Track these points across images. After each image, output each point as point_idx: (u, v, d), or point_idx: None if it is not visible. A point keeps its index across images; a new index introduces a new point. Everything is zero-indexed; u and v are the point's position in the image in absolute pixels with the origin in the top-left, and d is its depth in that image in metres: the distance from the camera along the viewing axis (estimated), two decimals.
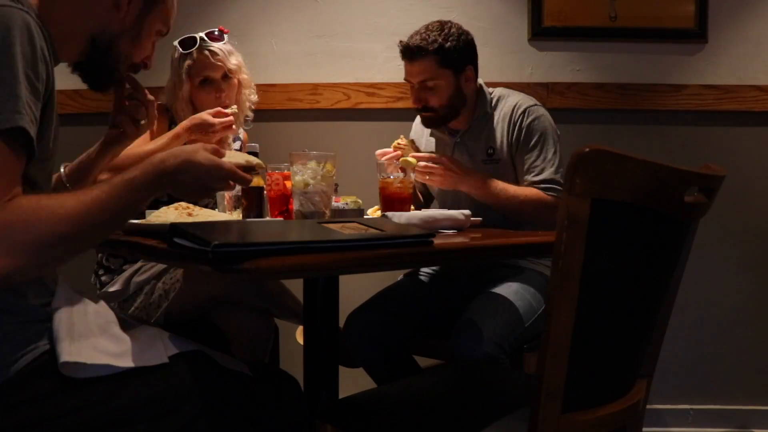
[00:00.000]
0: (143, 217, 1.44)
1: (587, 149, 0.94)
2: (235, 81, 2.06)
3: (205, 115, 1.89)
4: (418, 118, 2.18)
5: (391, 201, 1.65)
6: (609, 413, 1.09)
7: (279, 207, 1.64)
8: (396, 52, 2.65)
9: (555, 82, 2.58)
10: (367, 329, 1.89)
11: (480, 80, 2.05)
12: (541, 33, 2.60)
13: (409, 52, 1.93)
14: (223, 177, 1.11)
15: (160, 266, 1.88)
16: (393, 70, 2.62)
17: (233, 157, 1.25)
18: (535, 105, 1.99)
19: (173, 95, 2.03)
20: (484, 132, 2.02)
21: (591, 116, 2.59)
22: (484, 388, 1.44)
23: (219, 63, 2.00)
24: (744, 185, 2.60)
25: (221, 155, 1.13)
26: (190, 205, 1.43)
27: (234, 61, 2.04)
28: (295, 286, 1.80)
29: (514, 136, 1.96)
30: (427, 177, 1.87)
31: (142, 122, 1.38)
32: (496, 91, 2.07)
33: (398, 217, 1.45)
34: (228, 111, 1.92)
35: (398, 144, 1.90)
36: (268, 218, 1.64)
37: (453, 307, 1.99)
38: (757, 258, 2.64)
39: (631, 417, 1.16)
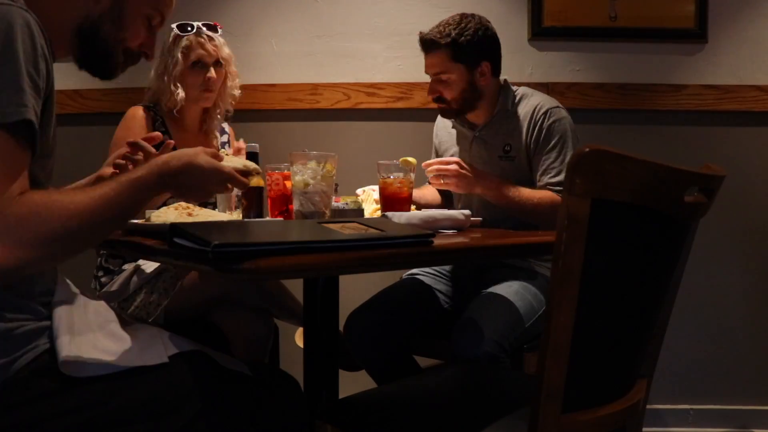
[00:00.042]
0: (143, 217, 1.45)
1: (587, 149, 0.95)
2: (224, 71, 2.10)
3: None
4: (437, 119, 2.25)
5: (391, 201, 1.65)
6: (609, 413, 1.09)
7: (279, 207, 1.64)
8: (396, 52, 2.65)
9: (555, 82, 2.58)
10: (368, 329, 1.89)
11: (505, 77, 2.07)
12: (541, 33, 2.60)
13: (424, 44, 2.00)
14: (223, 180, 1.16)
15: (160, 266, 1.88)
16: (393, 70, 2.62)
17: (232, 161, 1.27)
18: (558, 107, 1.99)
19: (162, 76, 2.04)
20: (504, 128, 2.03)
21: (591, 116, 2.59)
22: (484, 388, 1.44)
23: (215, 47, 2.06)
24: (744, 185, 2.60)
25: (220, 159, 1.17)
26: (190, 205, 1.44)
27: (227, 51, 2.10)
28: (295, 286, 1.80)
29: (534, 137, 1.96)
30: (442, 181, 1.88)
31: None
32: (520, 90, 2.08)
33: (398, 217, 1.45)
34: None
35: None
36: (268, 218, 1.65)
37: (453, 307, 1.99)
38: (757, 258, 2.64)
39: (631, 417, 1.16)
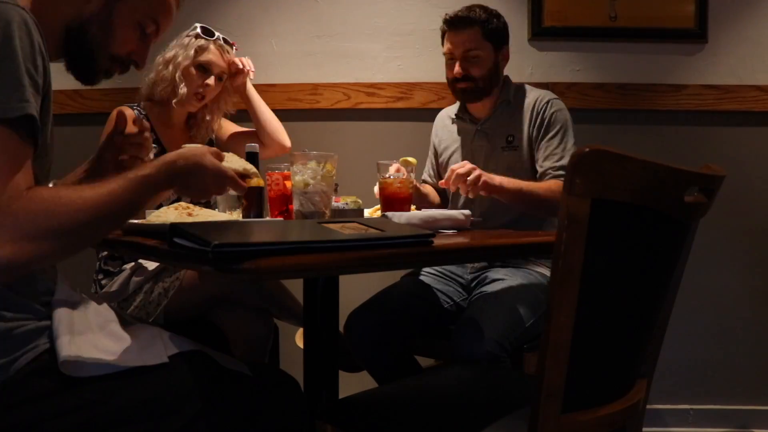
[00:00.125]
0: (143, 217, 1.44)
1: (587, 149, 0.94)
2: (222, 86, 2.13)
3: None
4: (441, 112, 2.31)
5: (391, 201, 1.65)
6: (609, 413, 1.09)
7: (279, 207, 1.64)
8: (396, 52, 2.65)
9: (555, 82, 2.58)
10: (368, 329, 1.89)
11: (504, 72, 2.16)
12: (541, 33, 2.60)
13: (456, 21, 2.05)
14: (224, 183, 1.18)
15: (160, 265, 1.88)
16: (393, 70, 2.62)
17: (232, 161, 1.28)
18: (557, 98, 2.10)
19: (167, 65, 2.05)
20: (505, 120, 2.11)
21: (591, 116, 2.59)
22: (484, 388, 1.44)
23: (224, 61, 2.10)
24: (744, 185, 2.60)
25: (221, 158, 1.19)
26: (190, 205, 1.44)
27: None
28: (295, 286, 1.80)
29: (536, 124, 2.05)
30: (465, 191, 1.87)
31: (148, 156, 1.41)
32: (514, 84, 2.17)
33: (398, 217, 1.45)
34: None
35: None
36: (268, 218, 1.64)
37: (454, 307, 1.99)
38: (757, 258, 2.64)
39: (631, 417, 1.16)
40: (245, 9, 2.62)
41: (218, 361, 1.15)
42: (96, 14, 1.16)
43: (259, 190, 1.62)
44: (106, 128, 1.99)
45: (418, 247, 1.12)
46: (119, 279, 1.91)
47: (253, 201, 1.61)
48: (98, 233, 1.05)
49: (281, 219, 1.61)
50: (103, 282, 1.94)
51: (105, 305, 1.21)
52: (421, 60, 2.62)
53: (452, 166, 1.82)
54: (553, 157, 2.00)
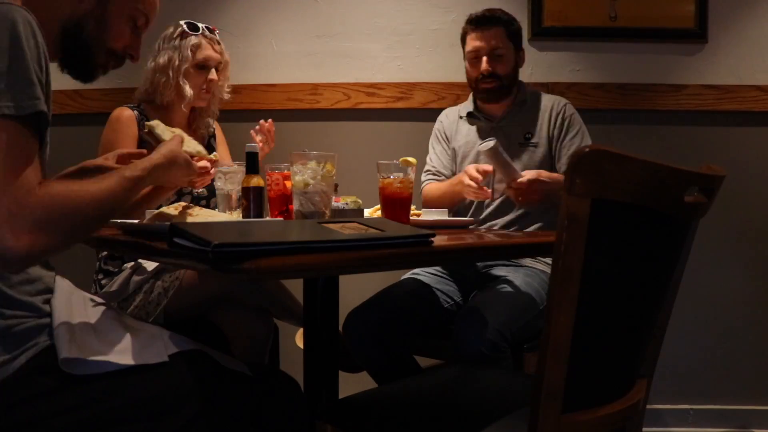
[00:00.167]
0: (143, 217, 1.45)
1: (587, 149, 0.94)
2: (221, 75, 2.14)
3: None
4: (446, 112, 2.33)
5: (391, 201, 1.65)
6: (609, 413, 1.09)
7: (279, 207, 1.64)
8: (396, 52, 2.65)
9: (555, 82, 2.58)
10: (368, 329, 1.89)
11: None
12: (541, 33, 2.61)
13: (484, 19, 2.15)
14: (188, 174, 1.41)
15: (160, 265, 1.88)
16: (393, 70, 2.62)
17: (189, 146, 1.49)
18: (570, 103, 2.22)
19: (165, 70, 2.04)
20: (521, 119, 2.17)
21: (591, 116, 2.58)
22: (484, 388, 1.44)
23: (220, 51, 2.11)
24: (744, 185, 2.60)
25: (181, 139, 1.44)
26: (190, 205, 1.45)
27: (227, 55, 2.15)
28: (295, 286, 1.79)
29: (557, 125, 2.14)
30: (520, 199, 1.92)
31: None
32: (526, 86, 2.26)
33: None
34: (211, 157, 1.93)
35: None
36: (268, 218, 1.64)
37: (454, 307, 1.99)
38: (758, 258, 2.64)
39: (631, 417, 1.16)
40: (245, 9, 2.62)
41: (218, 361, 1.15)
42: (91, 11, 1.18)
43: (259, 190, 1.62)
44: (114, 128, 1.99)
45: (418, 247, 1.12)
46: (119, 279, 1.91)
47: (253, 201, 1.61)
48: (99, 225, 1.10)
49: (281, 219, 1.61)
50: (103, 282, 1.94)
51: (105, 303, 1.21)
52: (421, 60, 2.62)
53: (523, 179, 1.85)
54: None
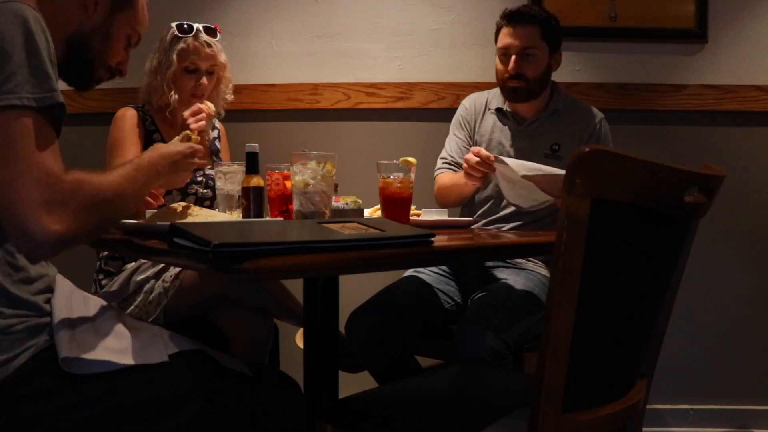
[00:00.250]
0: (143, 217, 1.45)
1: (587, 149, 0.94)
2: (216, 77, 2.11)
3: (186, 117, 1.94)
4: (473, 98, 2.22)
5: (391, 201, 1.65)
6: (609, 413, 1.09)
7: (279, 207, 1.64)
8: (396, 52, 2.64)
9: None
10: (369, 328, 1.89)
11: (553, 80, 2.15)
12: None
13: (518, 16, 2.02)
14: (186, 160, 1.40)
15: (160, 265, 1.88)
16: (393, 70, 2.62)
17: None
18: (605, 118, 2.13)
19: (155, 74, 2.05)
20: (551, 127, 2.09)
21: None
22: (484, 388, 1.44)
23: (211, 54, 2.05)
24: (744, 185, 2.59)
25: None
26: (190, 205, 1.45)
27: (223, 57, 2.10)
28: (295, 286, 1.80)
29: (592, 142, 2.05)
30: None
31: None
32: (563, 93, 2.17)
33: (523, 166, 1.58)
34: (203, 107, 1.94)
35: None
36: (268, 218, 1.64)
37: (455, 307, 1.99)
38: (757, 258, 2.64)
39: (631, 417, 1.16)
40: (245, 9, 2.62)
41: (218, 361, 1.16)
42: (98, 28, 1.21)
43: (259, 190, 1.62)
44: (121, 126, 2.00)
45: (418, 247, 1.12)
46: (119, 279, 1.91)
47: (253, 201, 1.61)
48: (120, 215, 1.14)
49: (281, 219, 1.61)
50: (104, 282, 1.94)
51: (106, 303, 1.21)
52: (421, 60, 2.62)
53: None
54: None
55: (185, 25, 2.04)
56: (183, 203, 1.44)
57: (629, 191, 0.98)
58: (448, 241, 1.32)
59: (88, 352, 1.03)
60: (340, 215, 1.52)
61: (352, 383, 1.89)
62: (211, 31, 2.07)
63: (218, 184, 1.69)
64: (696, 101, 2.60)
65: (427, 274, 2.06)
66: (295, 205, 1.47)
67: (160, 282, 1.86)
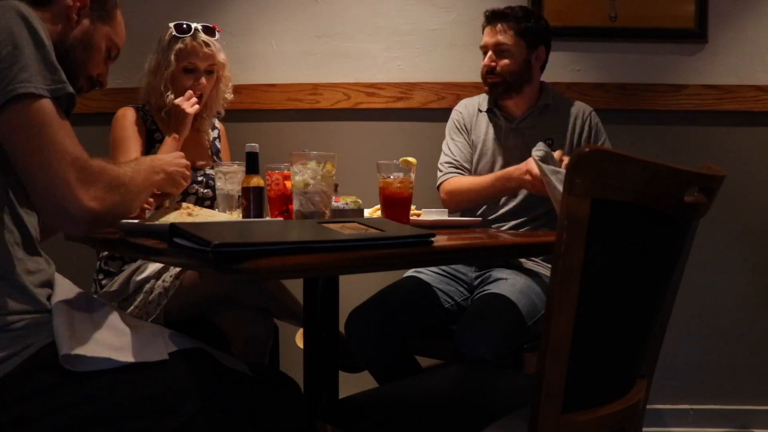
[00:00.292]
0: (144, 217, 1.45)
1: (587, 149, 0.94)
2: (215, 76, 2.11)
3: (180, 103, 2.00)
4: (464, 102, 2.28)
5: (391, 201, 1.65)
6: (609, 413, 1.09)
7: (279, 207, 1.64)
8: (396, 52, 2.64)
9: (555, 82, 2.58)
10: (369, 328, 1.89)
11: (543, 78, 2.20)
12: None
13: (493, 14, 2.14)
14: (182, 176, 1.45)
15: (160, 265, 1.88)
16: (393, 70, 2.62)
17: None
18: (594, 111, 2.20)
19: (154, 74, 2.05)
20: (543, 123, 2.14)
21: None
22: (484, 388, 1.44)
23: (209, 54, 2.06)
24: (744, 185, 2.60)
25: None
26: (190, 205, 1.45)
27: (222, 57, 2.11)
28: (295, 286, 1.80)
29: (585, 134, 2.13)
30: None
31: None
32: (552, 91, 2.23)
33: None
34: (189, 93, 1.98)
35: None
36: (268, 218, 1.65)
37: (455, 307, 1.99)
38: (757, 258, 2.64)
39: (631, 417, 1.16)
40: (245, 9, 2.62)
41: (219, 360, 1.16)
42: (80, 38, 1.24)
43: (259, 190, 1.62)
44: (122, 125, 2.00)
45: (418, 247, 1.12)
46: (119, 279, 1.91)
47: (253, 201, 1.61)
48: (135, 204, 1.20)
49: (281, 219, 1.61)
50: (104, 282, 1.94)
51: (106, 301, 1.21)
52: (421, 60, 2.62)
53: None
54: None
55: (183, 25, 2.04)
56: (183, 203, 1.44)
57: (629, 191, 0.98)
58: (448, 241, 1.32)
59: (89, 349, 1.03)
60: (340, 215, 1.52)
61: (352, 383, 1.89)
62: (209, 31, 2.07)
63: (218, 184, 1.69)
64: (696, 101, 2.60)
65: (427, 274, 2.06)
66: (295, 205, 1.47)
67: (160, 282, 1.86)
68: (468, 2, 2.59)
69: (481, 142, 2.18)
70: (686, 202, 1.08)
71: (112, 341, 1.08)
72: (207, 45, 2.05)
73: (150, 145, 2.04)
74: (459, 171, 2.19)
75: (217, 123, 2.25)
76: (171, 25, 2.05)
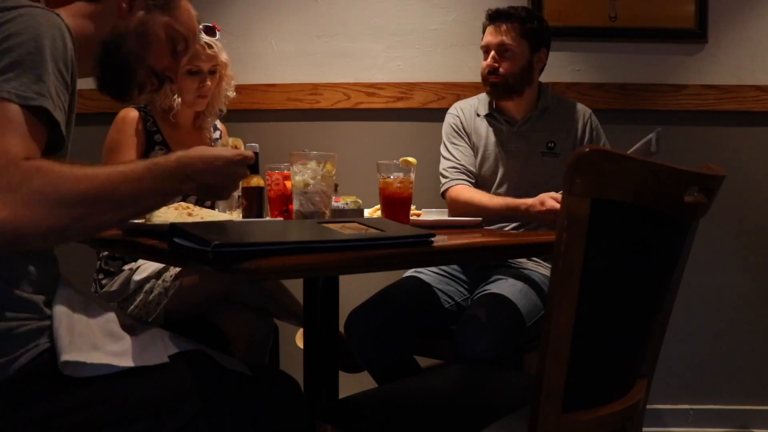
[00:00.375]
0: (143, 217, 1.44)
1: (587, 149, 0.95)
2: (219, 76, 2.11)
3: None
4: (460, 105, 2.24)
5: (391, 201, 1.65)
6: (609, 413, 1.09)
7: (279, 207, 1.64)
8: (396, 52, 2.64)
9: (555, 82, 2.58)
10: (369, 328, 1.89)
11: (542, 79, 2.19)
12: None
13: (497, 14, 2.11)
14: (239, 174, 1.15)
15: (160, 265, 1.88)
16: (393, 70, 2.62)
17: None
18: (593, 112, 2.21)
19: None
20: (544, 125, 2.13)
21: None
22: (484, 388, 1.44)
23: (212, 55, 2.06)
24: (744, 185, 2.60)
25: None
26: (190, 205, 1.44)
27: (224, 56, 2.11)
28: (295, 286, 1.80)
29: (587, 136, 2.13)
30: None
31: None
32: (551, 93, 2.22)
33: None
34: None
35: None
36: (268, 218, 1.65)
37: (455, 307, 1.99)
38: (757, 258, 2.64)
39: (631, 417, 1.16)
40: (245, 9, 2.62)
41: (218, 361, 1.15)
42: (133, 28, 1.20)
43: (259, 190, 1.62)
44: (119, 128, 2.00)
45: (418, 247, 1.12)
46: (119, 279, 1.91)
47: (253, 201, 1.61)
48: (101, 214, 1.00)
49: (281, 219, 1.61)
50: (104, 282, 1.94)
51: (106, 305, 1.21)
52: (421, 60, 2.62)
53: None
54: None
55: None
56: (183, 203, 1.44)
57: (629, 191, 0.98)
58: (448, 241, 1.32)
59: (88, 355, 1.02)
60: (340, 215, 1.52)
61: (352, 383, 1.89)
62: (210, 31, 2.07)
63: None
64: (696, 101, 2.60)
65: (427, 274, 2.06)
66: (295, 205, 1.47)
67: (160, 282, 1.86)
68: (468, 2, 2.59)
69: (482, 147, 2.16)
70: (686, 202, 1.08)
71: (111, 347, 1.07)
72: (209, 46, 2.06)
73: (149, 148, 2.03)
74: (466, 177, 2.16)
75: (219, 124, 2.25)
76: None
